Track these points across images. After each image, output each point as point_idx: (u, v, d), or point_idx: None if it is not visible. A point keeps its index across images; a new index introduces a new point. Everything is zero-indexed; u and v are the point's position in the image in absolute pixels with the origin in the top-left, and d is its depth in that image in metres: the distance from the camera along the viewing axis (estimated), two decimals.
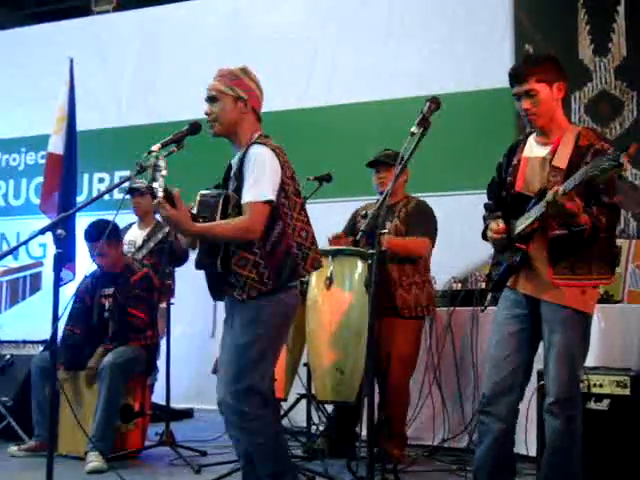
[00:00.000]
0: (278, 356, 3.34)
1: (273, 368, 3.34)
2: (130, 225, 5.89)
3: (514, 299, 3.19)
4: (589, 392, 3.80)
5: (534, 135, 3.26)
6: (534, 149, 3.22)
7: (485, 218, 3.40)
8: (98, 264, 4.91)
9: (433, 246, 4.77)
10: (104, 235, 4.53)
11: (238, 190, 3.19)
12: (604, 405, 3.81)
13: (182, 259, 5.10)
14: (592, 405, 3.80)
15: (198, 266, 3.28)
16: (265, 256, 3.17)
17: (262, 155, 3.19)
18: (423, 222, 4.73)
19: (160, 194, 3.06)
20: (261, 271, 3.16)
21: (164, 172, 3.09)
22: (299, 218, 3.28)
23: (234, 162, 3.32)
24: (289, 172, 3.27)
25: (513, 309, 3.19)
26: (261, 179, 3.16)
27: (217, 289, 3.31)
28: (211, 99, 3.30)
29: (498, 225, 3.21)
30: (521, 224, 3.12)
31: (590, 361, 3.36)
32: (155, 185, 3.08)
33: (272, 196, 3.16)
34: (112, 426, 4.62)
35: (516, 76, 3.15)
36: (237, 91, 3.29)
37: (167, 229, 5.16)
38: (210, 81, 3.35)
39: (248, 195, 3.15)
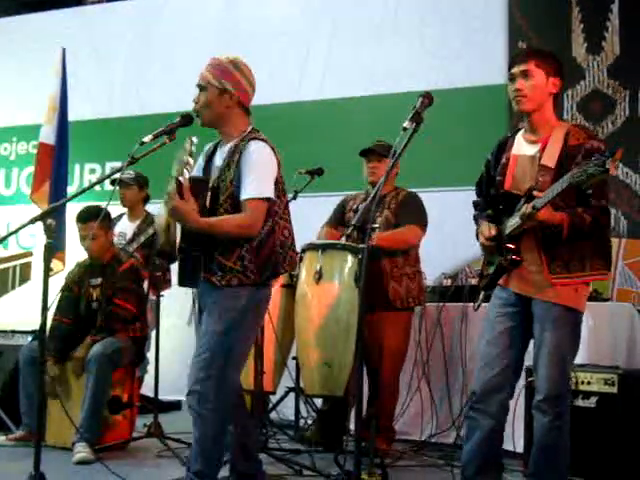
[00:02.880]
0: (250, 348, 3.30)
1: (245, 361, 3.31)
2: (120, 216, 5.87)
3: (506, 297, 3.19)
4: (577, 389, 3.81)
5: (522, 132, 3.24)
6: (523, 147, 3.20)
7: (476, 217, 3.39)
8: (87, 248, 4.86)
9: (424, 234, 4.76)
10: (97, 217, 4.49)
11: (231, 182, 3.16)
12: (592, 402, 3.82)
13: (174, 257, 5.07)
14: (580, 402, 3.82)
15: (180, 251, 3.24)
16: (251, 251, 3.14)
17: (264, 153, 3.19)
18: (413, 211, 4.73)
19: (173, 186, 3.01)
20: (245, 264, 3.13)
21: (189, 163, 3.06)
22: (283, 217, 3.28)
23: (221, 152, 3.29)
24: (280, 170, 3.26)
25: (504, 307, 3.18)
26: (262, 177, 3.15)
27: (192, 274, 3.25)
28: (200, 87, 3.27)
29: (490, 231, 3.18)
30: (510, 225, 3.11)
31: (578, 358, 3.36)
32: (181, 179, 3.03)
33: (272, 194, 3.16)
34: (100, 417, 4.61)
35: (517, 57, 3.19)
36: (224, 84, 3.23)
37: None
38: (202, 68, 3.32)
39: (250, 192, 3.12)
